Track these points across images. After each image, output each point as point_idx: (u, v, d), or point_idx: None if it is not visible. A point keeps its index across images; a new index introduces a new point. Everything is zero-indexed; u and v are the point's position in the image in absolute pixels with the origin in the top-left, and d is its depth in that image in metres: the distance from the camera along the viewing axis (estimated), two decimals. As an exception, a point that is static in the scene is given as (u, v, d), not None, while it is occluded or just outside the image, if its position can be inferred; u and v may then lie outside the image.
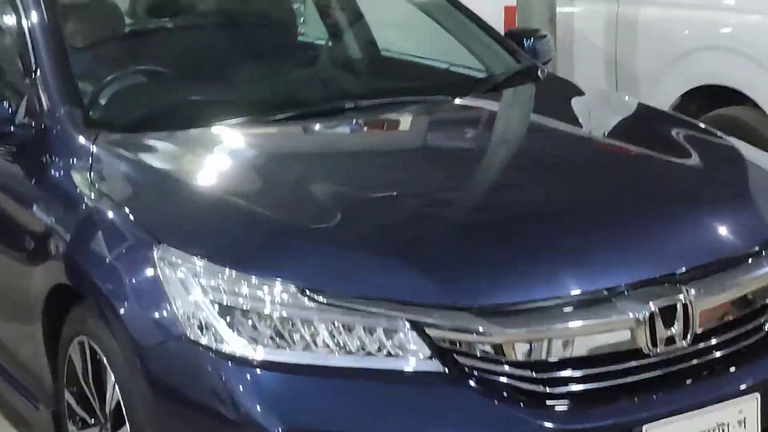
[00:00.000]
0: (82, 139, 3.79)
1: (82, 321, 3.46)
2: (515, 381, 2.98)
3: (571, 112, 4.38)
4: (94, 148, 3.74)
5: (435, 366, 2.97)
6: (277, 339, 3.01)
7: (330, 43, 5.04)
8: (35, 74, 3.99)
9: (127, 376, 3.21)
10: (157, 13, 4.76)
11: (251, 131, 3.94)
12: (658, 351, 3.05)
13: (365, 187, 3.52)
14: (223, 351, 3.01)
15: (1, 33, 4.34)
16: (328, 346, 2.99)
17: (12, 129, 3.88)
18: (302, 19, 5.05)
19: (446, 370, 2.97)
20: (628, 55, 6.24)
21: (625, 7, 6.23)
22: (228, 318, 3.04)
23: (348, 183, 3.56)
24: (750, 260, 3.26)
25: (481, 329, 2.96)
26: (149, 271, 3.19)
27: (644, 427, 3.01)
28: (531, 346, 2.99)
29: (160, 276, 3.15)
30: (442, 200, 3.48)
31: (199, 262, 3.12)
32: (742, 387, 3.13)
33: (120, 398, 3.26)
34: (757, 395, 3.13)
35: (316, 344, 3.00)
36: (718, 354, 3.15)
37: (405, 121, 4.14)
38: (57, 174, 3.76)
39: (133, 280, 3.24)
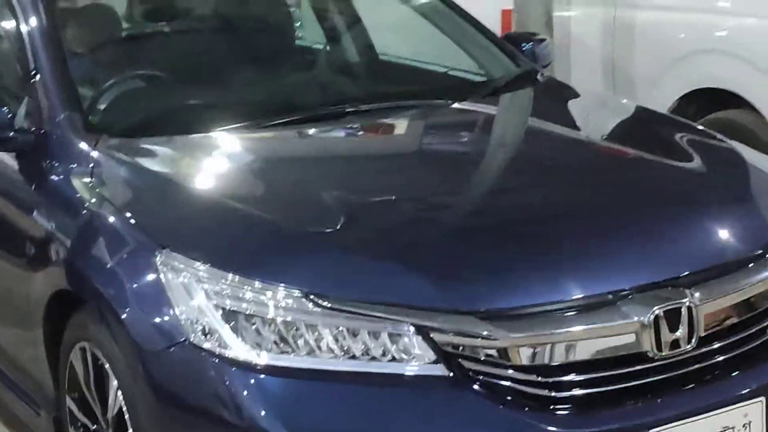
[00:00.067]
0: (82, 144, 3.78)
1: (83, 327, 3.44)
2: (520, 385, 2.98)
3: (572, 115, 4.39)
4: (94, 153, 3.73)
5: (440, 370, 2.96)
6: (281, 344, 3.00)
7: (330, 48, 5.03)
8: (34, 79, 3.99)
9: (130, 382, 3.20)
10: (158, 17, 4.75)
11: (252, 136, 3.93)
12: (663, 355, 3.05)
13: (368, 191, 3.51)
14: (227, 356, 3.01)
15: (0, 38, 4.33)
16: (332, 350, 2.98)
17: (11, 134, 3.86)
18: (299, 23, 5.03)
19: (451, 374, 2.96)
20: (626, 59, 6.25)
21: (623, 10, 6.24)
22: (232, 323, 3.03)
23: (350, 187, 3.56)
24: (753, 263, 3.25)
25: (486, 333, 2.96)
26: (152, 276, 3.18)
27: (649, 432, 3.01)
28: (536, 350, 2.98)
29: (163, 281, 3.14)
30: (446, 204, 3.48)
31: (202, 267, 3.11)
32: (747, 390, 3.12)
33: (122, 404, 3.25)
34: (762, 399, 3.12)
35: (320, 349, 2.99)
36: (722, 357, 3.14)
37: (406, 125, 4.14)
38: (57, 179, 3.75)
39: (136, 286, 3.22)
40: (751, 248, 3.29)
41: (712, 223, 3.36)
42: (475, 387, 2.96)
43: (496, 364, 2.97)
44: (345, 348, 2.98)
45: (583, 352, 3.02)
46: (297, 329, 3.00)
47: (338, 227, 3.25)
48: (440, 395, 2.96)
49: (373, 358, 2.98)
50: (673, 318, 3.05)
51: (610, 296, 3.05)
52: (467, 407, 2.95)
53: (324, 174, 3.72)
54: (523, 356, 2.98)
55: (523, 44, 4.69)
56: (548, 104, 4.39)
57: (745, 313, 3.21)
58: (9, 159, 3.99)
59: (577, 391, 3.01)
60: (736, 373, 3.15)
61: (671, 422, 3.03)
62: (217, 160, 3.83)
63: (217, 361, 3.01)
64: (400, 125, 4.16)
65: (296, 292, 3.01)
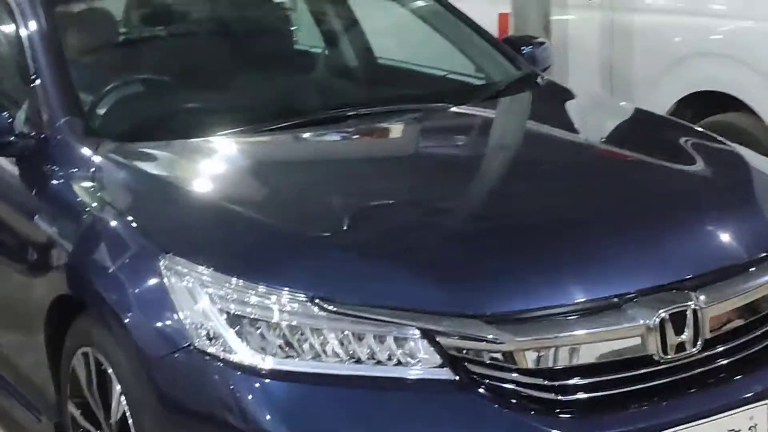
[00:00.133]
0: (83, 149, 3.78)
1: (86, 331, 3.43)
2: (526, 389, 2.97)
3: (575, 119, 4.39)
4: (95, 158, 3.72)
5: (445, 374, 2.95)
6: (286, 348, 2.99)
7: (330, 52, 5.02)
8: (34, 83, 3.98)
9: (134, 387, 3.19)
10: (159, 22, 4.74)
11: (253, 139, 3.93)
12: (669, 358, 3.04)
13: (372, 195, 3.51)
14: (232, 360, 2.99)
15: (1, 42, 4.32)
16: (337, 355, 2.97)
17: (11, 139, 3.85)
18: (296, 27, 5.03)
19: (456, 378, 2.95)
20: (624, 62, 6.25)
21: (620, 14, 6.24)
22: (236, 327, 3.02)
23: (354, 191, 3.56)
24: (757, 266, 3.25)
25: (491, 337, 2.95)
26: (155, 281, 3.16)
27: (656, 435, 3.00)
28: (541, 353, 2.98)
29: (167, 285, 3.12)
30: (451, 208, 3.47)
31: (205, 272, 3.10)
32: (752, 393, 3.11)
33: (126, 409, 3.24)
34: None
35: (325, 353, 2.98)
36: (727, 361, 3.14)
37: (409, 129, 4.13)
38: (58, 184, 3.75)
39: (139, 290, 3.21)
40: (756, 251, 3.29)
41: (717, 226, 3.36)
42: (481, 390, 2.96)
43: (501, 368, 2.97)
44: (350, 352, 2.97)
45: (589, 355, 3.01)
46: (302, 333, 2.99)
47: (342, 231, 3.25)
48: (446, 399, 2.95)
49: (379, 362, 2.97)
50: (678, 321, 3.05)
51: (616, 299, 3.05)
52: (473, 411, 2.95)
53: (327, 178, 3.72)
54: (529, 359, 2.97)
55: (523, 47, 4.69)
56: (550, 107, 4.39)
57: (750, 316, 3.21)
58: (9, 164, 3.98)
59: (582, 395, 3.00)
60: (742, 376, 3.14)
61: (676, 425, 3.02)
62: (219, 164, 3.82)
63: (221, 365, 3.00)
64: (403, 129, 4.15)
65: (301, 296, 3.00)
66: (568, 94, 4.62)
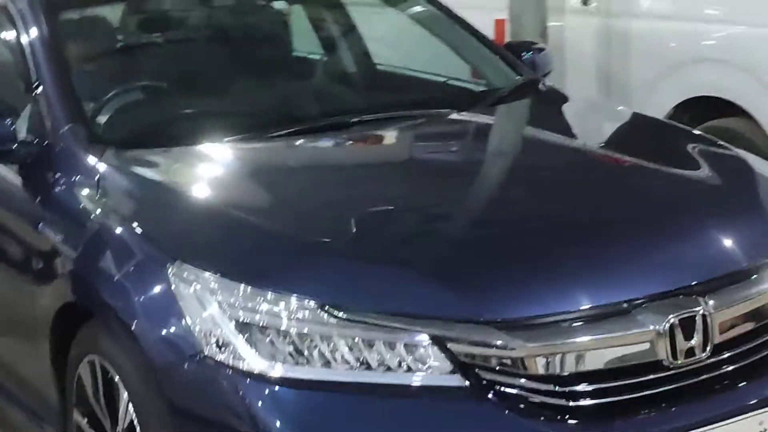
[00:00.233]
0: (87, 156, 3.76)
1: (92, 339, 3.42)
2: (537, 395, 2.97)
3: (580, 125, 4.40)
4: (99, 165, 3.71)
5: (456, 380, 2.95)
6: (296, 355, 2.98)
7: (332, 59, 5.02)
8: (37, 91, 3.97)
9: (142, 395, 3.17)
10: (162, 28, 4.73)
11: (259, 146, 3.93)
12: (678, 363, 3.04)
13: (380, 201, 3.49)
14: (242, 368, 2.98)
15: (2, 50, 4.31)
16: (347, 362, 2.96)
17: (14, 146, 3.84)
18: (299, 34, 5.03)
19: (467, 384, 2.95)
20: (620, 68, 6.25)
21: (617, 19, 6.24)
22: (246, 335, 3.01)
23: (362, 197, 3.54)
24: (765, 271, 3.25)
25: (502, 343, 2.95)
26: (163, 288, 3.15)
27: (666, 440, 3.00)
28: (552, 359, 2.97)
29: (175, 293, 3.11)
30: (461, 214, 3.46)
31: (213, 279, 3.09)
32: (762, 399, 3.11)
33: (134, 417, 3.22)
34: (778, 406, 3.13)
35: (335, 360, 2.97)
36: (737, 365, 3.14)
37: (414, 134, 4.13)
38: (62, 191, 3.73)
39: (146, 298, 3.20)
40: (763, 256, 3.29)
41: (724, 231, 3.36)
42: (492, 397, 2.95)
43: (512, 374, 2.96)
44: (361, 359, 2.96)
45: (599, 361, 3.01)
46: (312, 340, 2.98)
47: (351, 237, 3.24)
48: (457, 405, 2.94)
49: (389, 369, 2.96)
50: (687, 326, 3.05)
51: (625, 305, 3.05)
52: (484, 417, 2.94)
53: (334, 184, 3.71)
54: (540, 365, 2.97)
55: (523, 53, 4.69)
56: (554, 113, 4.40)
57: (759, 321, 3.21)
58: (12, 171, 3.96)
59: (592, 401, 2.99)
60: (751, 381, 3.14)
61: (687, 431, 3.01)
62: (225, 171, 3.81)
63: (231, 373, 2.99)
64: (410, 135, 4.15)
65: (311, 303, 2.99)
66: (570, 100, 4.63)
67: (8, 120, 3.83)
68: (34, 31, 4.12)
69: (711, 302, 3.09)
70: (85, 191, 3.66)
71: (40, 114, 3.93)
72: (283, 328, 2.99)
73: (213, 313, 3.05)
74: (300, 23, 5.05)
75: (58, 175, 3.77)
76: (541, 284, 3.06)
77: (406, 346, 2.96)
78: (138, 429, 3.21)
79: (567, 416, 2.97)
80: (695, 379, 3.08)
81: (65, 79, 3.99)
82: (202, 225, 3.40)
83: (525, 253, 3.18)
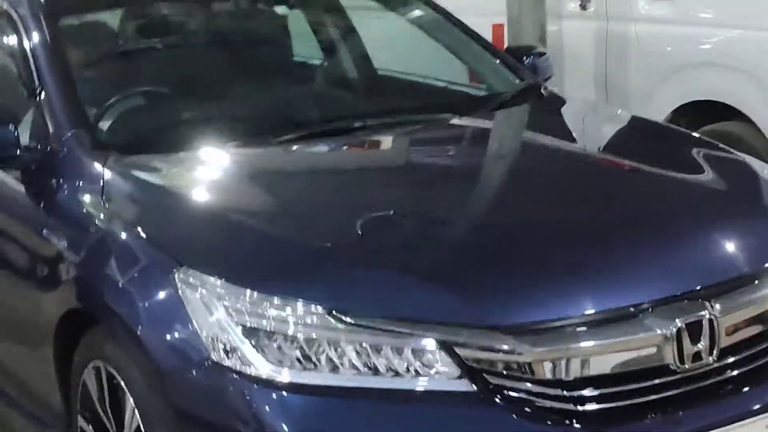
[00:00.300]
0: (92, 162, 3.75)
1: (97, 345, 3.41)
2: (544, 399, 2.97)
3: (584, 130, 4.40)
4: (104, 170, 3.70)
5: (464, 385, 2.95)
6: (304, 361, 2.98)
7: (334, 64, 5.02)
8: (40, 97, 3.96)
9: (148, 401, 3.17)
10: (165, 33, 4.73)
11: (264, 151, 3.93)
12: (685, 367, 3.05)
13: (386, 206, 3.48)
14: (249, 373, 2.98)
15: (4, 55, 4.30)
16: (355, 367, 2.96)
17: (18, 152, 3.83)
18: (303, 39, 5.03)
19: (475, 389, 2.95)
20: (619, 72, 6.26)
21: (616, 23, 6.25)
22: (253, 340, 3.00)
23: (367, 201, 3.54)
24: None
25: (509, 348, 2.95)
26: (169, 294, 3.15)
27: (673, 444, 3.00)
28: (559, 364, 2.98)
29: (182, 298, 3.11)
30: (468, 219, 3.47)
31: (220, 284, 3.09)
32: (769, 402, 3.13)
33: (140, 423, 3.22)
34: (785, 410, 3.13)
35: (343, 366, 2.97)
36: (743, 369, 3.14)
37: (418, 139, 4.13)
38: (66, 197, 3.72)
39: (152, 303, 3.20)
40: (768, 259, 3.30)
41: (729, 235, 3.36)
42: (499, 401, 2.95)
43: (520, 379, 2.97)
44: (368, 364, 2.96)
45: (606, 365, 3.01)
46: (319, 346, 2.98)
47: (358, 242, 3.23)
48: (464, 410, 2.94)
49: (397, 374, 2.96)
50: (694, 331, 3.05)
51: (632, 309, 3.05)
52: (491, 422, 2.94)
53: (339, 189, 3.71)
54: (547, 370, 2.97)
55: (524, 57, 4.70)
56: (557, 118, 4.40)
57: (765, 325, 3.22)
58: (15, 177, 3.95)
59: (599, 405, 3.00)
60: (757, 385, 3.14)
61: (694, 435, 3.03)
62: (230, 176, 3.81)
63: (238, 378, 2.98)
64: (414, 140, 4.14)
65: (319, 309, 2.99)
66: (572, 105, 4.63)
67: (11, 126, 3.81)
68: (36, 37, 4.11)
69: (717, 306, 3.09)
70: (89, 197, 3.66)
71: (43, 120, 3.92)
72: (290, 333, 2.99)
73: (220, 319, 3.04)
74: (300, 28, 5.05)
75: (61, 180, 3.77)
76: (548, 289, 3.07)
77: (413, 351, 2.96)
78: (144, 435, 3.22)
79: (574, 420, 2.97)
80: (702, 384, 3.09)
81: (68, 84, 3.99)
82: (208, 230, 3.39)
83: (532, 257, 3.18)
